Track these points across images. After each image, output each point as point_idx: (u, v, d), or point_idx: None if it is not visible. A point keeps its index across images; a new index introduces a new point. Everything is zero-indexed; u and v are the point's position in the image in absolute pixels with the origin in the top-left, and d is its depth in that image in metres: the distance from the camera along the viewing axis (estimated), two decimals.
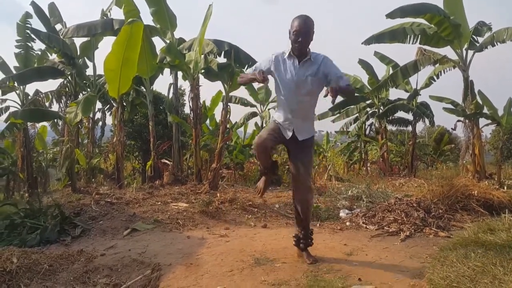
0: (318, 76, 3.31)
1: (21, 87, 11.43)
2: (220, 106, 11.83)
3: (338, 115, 14.99)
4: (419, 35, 9.11)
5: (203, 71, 9.16)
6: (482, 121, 9.45)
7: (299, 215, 3.52)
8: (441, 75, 11.07)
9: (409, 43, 9.30)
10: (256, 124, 16.95)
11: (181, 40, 10.32)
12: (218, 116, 13.02)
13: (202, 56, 8.77)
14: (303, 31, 3.25)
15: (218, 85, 9.25)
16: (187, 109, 13.11)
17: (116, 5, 10.71)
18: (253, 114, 15.57)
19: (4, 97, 11.73)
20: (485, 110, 9.23)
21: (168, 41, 9.55)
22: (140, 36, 7.44)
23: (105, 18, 11.10)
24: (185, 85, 13.32)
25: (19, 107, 11.49)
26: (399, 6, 8.46)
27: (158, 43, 13.81)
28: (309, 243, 3.54)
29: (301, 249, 3.54)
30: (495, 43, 9.14)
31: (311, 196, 3.46)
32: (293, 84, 3.36)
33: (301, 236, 3.54)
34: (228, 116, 8.55)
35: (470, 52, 9.41)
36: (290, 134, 3.44)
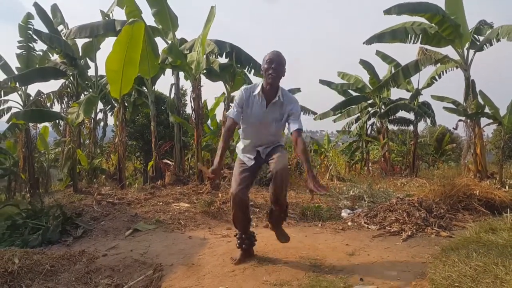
0: (282, 122, 3.36)
1: (23, 87, 11.45)
2: (221, 106, 11.87)
3: (339, 115, 14.98)
4: (420, 35, 9.09)
5: (205, 71, 9.17)
6: (484, 121, 9.44)
7: (275, 190, 3.25)
8: (443, 74, 11.06)
9: (410, 42, 9.28)
10: None
11: (183, 41, 10.35)
12: (219, 116, 13.08)
13: (204, 56, 8.78)
14: (276, 59, 3.24)
15: (219, 85, 9.27)
16: (188, 109, 13.15)
17: (118, 5, 10.74)
18: None
19: (6, 97, 11.75)
20: (487, 110, 9.21)
21: (169, 42, 9.57)
22: (141, 36, 7.46)
23: (107, 19, 11.14)
24: (186, 85, 13.36)
25: (21, 107, 11.51)
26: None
27: (160, 43, 13.85)
28: (284, 218, 3.58)
29: (273, 225, 3.60)
30: (494, 41, 9.13)
31: (286, 174, 3.23)
32: (258, 124, 3.38)
33: (275, 211, 3.41)
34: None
35: (471, 52, 9.39)
36: (253, 158, 3.44)
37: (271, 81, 3.24)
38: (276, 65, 3.23)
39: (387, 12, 8.22)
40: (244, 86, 3.51)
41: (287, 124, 3.35)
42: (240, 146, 3.62)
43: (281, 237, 3.58)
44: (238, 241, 3.48)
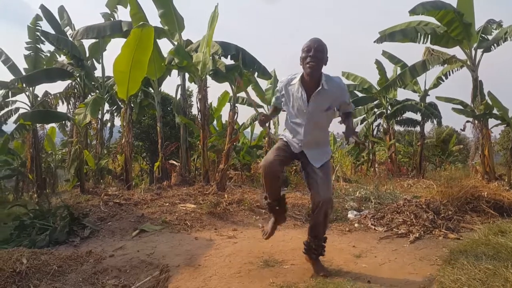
0: (329, 112, 3.11)
1: (30, 88, 11.53)
2: (227, 107, 11.88)
3: None
4: (430, 35, 9.04)
5: (211, 72, 9.18)
6: (491, 122, 9.36)
7: (315, 225, 3.18)
8: (449, 75, 10.98)
9: (420, 42, 9.21)
10: None
11: (189, 42, 10.37)
12: (225, 117, 13.09)
13: (210, 57, 8.79)
14: (314, 45, 2.96)
15: (225, 87, 9.28)
16: (194, 110, 13.18)
17: (121, 4, 10.80)
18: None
19: (13, 98, 11.83)
20: (495, 111, 9.13)
21: (176, 43, 9.59)
22: (151, 40, 7.51)
23: (112, 19, 11.19)
24: (192, 86, 13.36)
25: (28, 108, 11.59)
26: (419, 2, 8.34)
27: (166, 44, 13.89)
28: (321, 253, 3.26)
29: (312, 259, 3.27)
30: (502, 41, 9.05)
31: (331, 207, 3.13)
32: (301, 119, 3.15)
33: (313, 246, 3.22)
34: (235, 117, 8.55)
35: (479, 52, 9.31)
36: (298, 149, 3.21)
37: (310, 70, 2.96)
38: (315, 52, 2.94)
39: (413, 11, 8.12)
40: (279, 82, 3.31)
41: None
42: (286, 134, 3.35)
43: (320, 271, 3.16)
44: (268, 207, 3.38)
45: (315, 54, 2.94)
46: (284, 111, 3.41)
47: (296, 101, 3.12)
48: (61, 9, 11.99)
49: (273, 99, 3.47)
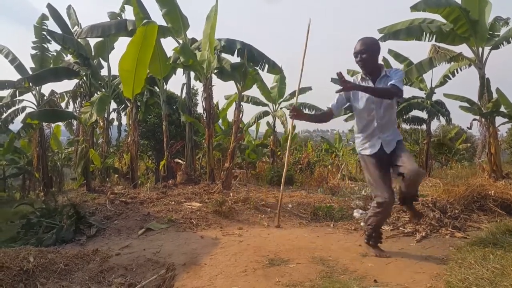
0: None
1: (37, 87, 11.60)
2: (232, 105, 11.88)
3: (351, 114, 14.87)
4: (435, 33, 8.95)
5: (216, 71, 9.17)
6: (498, 120, 9.30)
7: (406, 195, 3.50)
8: (457, 73, 10.90)
9: (425, 40, 9.12)
10: (268, 123, 16.95)
11: (193, 40, 10.37)
12: (230, 116, 13.08)
13: (215, 56, 8.78)
14: (361, 49, 3.41)
15: (230, 85, 9.25)
16: (200, 109, 13.17)
17: (127, 4, 10.81)
18: (265, 113, 15.53)
19: (20, 97, 11.91)
20: (502, 109, 9.08)
21: (181, 41, 9.59)
22: (155, 37, 7.50)
23: (118, 18, 11.22)
24: (197, 85, 13.38)
25: (35, 107, 11.66)
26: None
27: (171, 43, 13.90)
28: (416, 199, 3.70)
29: (408, 207, 3.68)
30: (511, 39, 8.96)
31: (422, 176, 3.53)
32: (370, 106, 3.46)
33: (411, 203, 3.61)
34: (241, 115, 8.54)
35: (487, 49, 9.23)
36: (377, 149, 3.48)
37: (364, 70, 3.49)
38: (364, 50, 3.40)
39: (414, 7, 8.07)
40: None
41: None
42: (358, 144, 3.67)
43: (415, 217, 3.78)
44: (372, 240, 3.67)
45: (361, 58, 3.43)
46: (335, 116, 3.73)
47: (363, 95, 3.46)
48: (69, 9, 12.04)
49: (333, 102, 3.66)
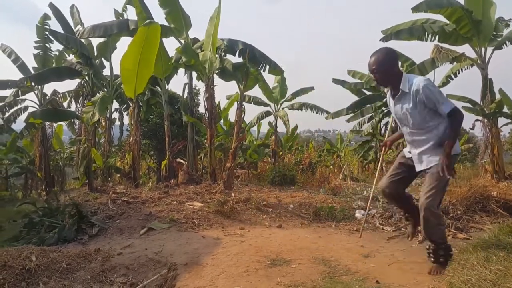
0: (417, 109, 3.07)
1: (39, 87, 11.62)
2: (234, 105, 11.89)
3: (353, 114, 14.85)
4: (438, 33, 8.93)
5: (218, 71, 9.17)
6: (501, 121, 9.27)
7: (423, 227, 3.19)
8: (459, 73, 10.87)
9: (427, 40, 9.10)
10: (269, 123, 16.94)
11: (195, 40, 10.37)
12: (232, 116, 13.09)
13: (217, 56, 8.78)
14: (372, 68, 3.18)
15: (232, 85, 9.27)
16: (201, 109, 13.19)
17: (129, 4, 10.81)
18: (267, 113, 15.54)
19: (23, 97, 11.94)
20: (505, 109, 9.05)
21: (183, 41, 9.59)
22: (158, 38, 7.51)
23: (120, 18, 11.22)
24: (199, 85, 13.39)
25: (37, 107, 11.68)
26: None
27: (173, 43, 13.92)
28: (438, 259, 3.12)
29: (431, 260, 3.21)
30: None
31: (433, 218, 3.03)
32: (398, 120, 3.31)
33: (430, 249, 3.20)
34: (242, 115, 8.54)
35: (489, 50, 9.20)
36: (417, 165, 3.22)
37: (379, 84, 3.32)
38: (375, 70, 3.16)
39: (416, 9, 8.05)
40: None
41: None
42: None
43: (434, 271, 3.08)
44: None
45: (375, 73, 3.19)
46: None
47: (390, 104, 3.35)
48: (73, 8, 12.05)
49: None
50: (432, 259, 3.15)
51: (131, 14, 11.38)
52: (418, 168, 3.20)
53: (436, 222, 3.05)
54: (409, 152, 3.30)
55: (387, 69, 3.15)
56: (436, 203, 3.04)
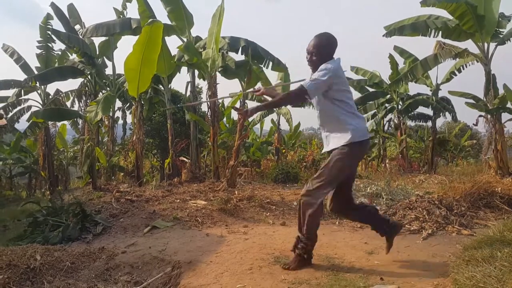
0: (322, 97, 3.16)
1: (42, 87, 11.66)
2: (237, 103, 11.87)
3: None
4: (441, 28, 8.89)
5: (220, 69, 9.16)
6: (505, 116, 9.23)
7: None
8: (463, 69, 10.84)
9: (430, 36, 9.06)
10: (272, 120, 16.93)
11: (198, 38, 10.37)
12: (235, 114, 13.08)
13: (220, 54, 8.77)
14: (311, 50, 3.22)
15: (235, 83, 9.29)
16: (204, 107, 13.20)
17: (128, 2, 10.82)
18: (270, 111, 15.52)
19: (26, 96, 11.99)
20: (508, 105, 9.00)
21: (185, 40, 9.58)
22: (160, 36, 7.52)
23: (121, 17, 11.23)
24: (202, 83, 13.39)
25: (40, 106, 11.73)
26: None
27: (175, 41, 13.91)
28: (298, 251, 3.17)
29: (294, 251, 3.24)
30: None
31: (308, 204, 3.06)
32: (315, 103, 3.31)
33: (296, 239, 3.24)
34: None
35: (492, 45, 9.16)
36: (325, 147, 3.29)
37: (311, 65, 3.25)
38: (314, 52, 3.20)
39: (424, 3, 8.00)
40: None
41: None
42: None
43: (288, 264, 3.18)
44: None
45: (308, 53, 3.25)
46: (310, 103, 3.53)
47: None
48: (71, 7, 12.06)
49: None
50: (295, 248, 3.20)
51: (131, 12, 11.39)
52: (325, 149, 3.27)
53: (311, 212, 3.06)
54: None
55: (323, 55, 3.19)
56: (321, 192, 3.07)
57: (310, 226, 3.11)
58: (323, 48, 3.21)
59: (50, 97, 12.37)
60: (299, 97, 3.16)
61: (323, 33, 3.28)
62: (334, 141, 3.14)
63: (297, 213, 3.21)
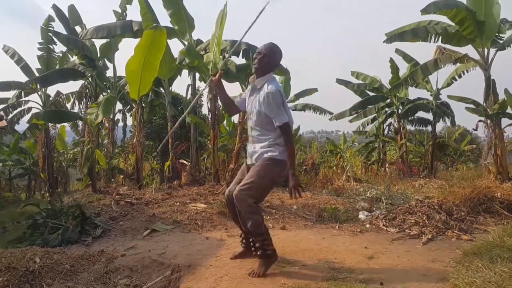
0: (262, 110, 3.18)
1: (43, 88, 11.65)
2: None
3: (355, 115, 14.84)
4: (441, 34, 8.92)
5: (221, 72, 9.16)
6: (504, 122, 9.25)
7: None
8: (463, 74, 10.86)
9: (431, 41, 9.09)
10: None
11: (199, 42, 10.38)
12: (235, 117, 13.07)
13: (221, 57, 8.78)
14: (260, 56, 3.27)
15: (236, 86, 9.31)
16: (205, 110, 13.20)
17: (128, 4, 10.84)
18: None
19: (26, 98, 11.98)
20: (508, 110, 9.03)
21: (186, 43, 9.60)
22: (164, 42, 7.55)
23: (121, 19, 11.23)
24: (203, 86, 13.39)
25: (40, 108, 11.73)
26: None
27: (176, 44, 13.94)
28: (258, 251, 3.21)
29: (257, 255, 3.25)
30: None
31: (246, 211, 3.08)
32: (248, 111, 3.38)
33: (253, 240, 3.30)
34: (245, 117, 8.53)
35: (492, 51, 9.19)
36: (249, 159, 3.36)
37: (255, 70, 3.30)
38: (261, 58, 3.26)
39: (425, 10, 8.04)
40: None
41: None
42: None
43: (256, 271, 3.13)
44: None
45: (257, 54, 3.30)
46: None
47: (247, 92, 3.43)
48: (72, 8, 12.06)
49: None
50: (256, 252, 3.22)
51: (131, 15, 11.38)
52: (249, 161, 3.34)
53: (248, 211, 3.07)
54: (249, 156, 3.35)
55: (271, 63, 3.29)
56: (252, 196, 3.07)
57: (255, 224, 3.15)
58: (275, 60, 3.33)
59: (51, 99, 12.36)
60: (290, 137, 3.18)
61: (276, 45, 3.35)
62: (258, 157, 3.24)
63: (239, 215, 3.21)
